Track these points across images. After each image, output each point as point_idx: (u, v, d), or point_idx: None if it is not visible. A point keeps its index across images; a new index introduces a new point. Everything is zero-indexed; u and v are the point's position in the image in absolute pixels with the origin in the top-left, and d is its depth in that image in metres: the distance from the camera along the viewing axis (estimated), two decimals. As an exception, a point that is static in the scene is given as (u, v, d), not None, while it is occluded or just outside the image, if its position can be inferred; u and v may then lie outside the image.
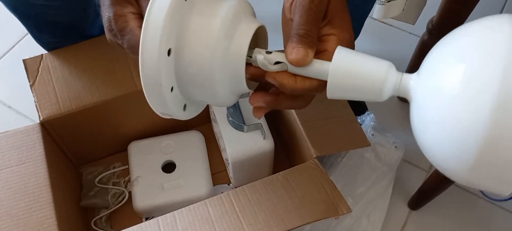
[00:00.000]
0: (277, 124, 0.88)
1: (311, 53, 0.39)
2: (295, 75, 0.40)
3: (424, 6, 0.80)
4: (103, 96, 0.76)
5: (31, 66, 0.78)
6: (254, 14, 0.44)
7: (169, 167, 0.85)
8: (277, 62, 0.40)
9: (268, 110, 0.46)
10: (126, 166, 0.86)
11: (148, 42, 0.37)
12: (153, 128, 0.88)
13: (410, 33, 1.17)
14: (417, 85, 0.36)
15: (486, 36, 0.33)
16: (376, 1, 0.62)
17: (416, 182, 0.93)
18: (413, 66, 0.98)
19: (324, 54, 0.41)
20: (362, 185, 0.88)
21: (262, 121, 0.77)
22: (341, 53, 0.38)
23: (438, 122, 0.33)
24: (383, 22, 1.14)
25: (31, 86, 0.76)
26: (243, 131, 0.77)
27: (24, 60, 0.78)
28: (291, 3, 0.41)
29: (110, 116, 0.80)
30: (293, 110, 0.76)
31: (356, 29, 0.87)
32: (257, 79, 0.42)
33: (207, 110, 0.89)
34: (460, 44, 0.34)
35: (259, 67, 0.41)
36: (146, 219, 0.81)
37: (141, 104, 0.80)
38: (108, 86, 0.77)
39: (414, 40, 1.07)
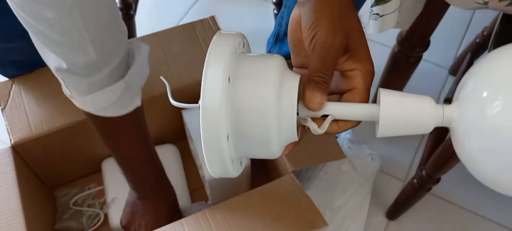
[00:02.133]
0: (253, 139, 0.88)
1: (325, 99, 0.40)
2: (338, 120, 0.42)
3: (420, 11, 0.82)
4: (76, 117, 0.75)
5: (2, 90, 0.77)
6: (288, 66, 0.45)
7: (145, 184, 0.84)
8: (324, 116, 0.42)
9: None
10: (101, 186, 0.85)
11: (207, 139, 0.39)
12: (128, 147, 0.87)
13: (382, 45, 1.19)
14: (460, 115, 0.38)
15: None
16: (370, 17, 0.64)
17: (393, 192, 0.94)
18: (387, 77, 1.00)
19: (354, 92, 0.42)
20: (340, 197, 0.89)
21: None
22: (387, 96, 0.40)
23: (488, 150, 0.36)
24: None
25: (2, 110, 0.75)
26: (219, 148, 0.77)
27: (-6, 84, 0.77)
28: (312, 39, 0.41)
29: (83, 136, 0.79)
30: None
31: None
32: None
33: (183, 127, 0.89)
34: (496, 73, 0.36)
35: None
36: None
37: (115, 124, 0.80)
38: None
39: (386, 51, 1.09)
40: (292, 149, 0.46)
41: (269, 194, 0.67)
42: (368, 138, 1.00)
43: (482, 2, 0.59)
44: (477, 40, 1.06)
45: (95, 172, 0.88)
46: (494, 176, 0.37)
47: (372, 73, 0.42)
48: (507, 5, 0.58)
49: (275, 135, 0.41)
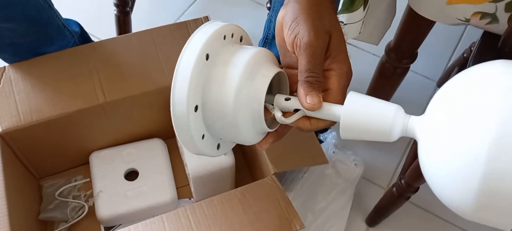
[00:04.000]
0: (240, 140, 0.90)
1: (321, 97, 0.42)
2: (310, 118, 0.43)
3: (389, 27, 0.84)
4: (65, 109, 0.77)
5: (-8, 77, 0.78)
6: (275, 61, 0.46)
7: (132, 175, 0.85)
8: (296, 109, 0.44)
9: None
10: (88, 179, 0.86)
11: (176, 105, 0.42)
12: (116, 140, 0.88)
13: (373, 54, 1.21)
14: (424, 127, 0.38)
15: (483, 84, 0.35)
16: None
17: (374, 199, 0.95)
18: (374, 86, 1.01)
19: (328, 93, 0.43)
20: (322, 201, 0.91)
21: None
22: (352, 98, 0.41)
23: (442, 163, 0.36)
24: (348, 43, 1.18)
25: (-9, 97, 0.76)
26: (204, 147, 0.78)
27: (-15, 72, 0.78)
28: (294, 39, 0.42)
29: (72, 129, 0.80)
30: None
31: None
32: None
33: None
34: (460, 91, 0.37)
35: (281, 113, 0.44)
36: (105, 229, 0.82)
37: (104, 118, 0.81)
38: (71, 99, 0.77)
39: (376, 60, 1.11)
40: (272, 144, 0.47)
41: (250, 194, 0.68)
42: (353, 144, 1.01)
43: (463, 19, 0.61)
44: (464, 55, 1.08)
45: (82, 165, 0.89)
46: (443, 193, 0.37)
47: (348, 74, 0.43)
48: (487, 24, 0.59)
49: (242, 117, 0.43)
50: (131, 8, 1.14)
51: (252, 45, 0.49)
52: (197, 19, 0.88)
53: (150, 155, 0.87)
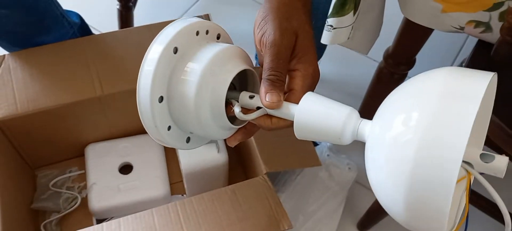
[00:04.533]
0: (234, 139, 0.90)
1: (282, 96, 0.42)
2: (271, 116, 0.44)
3: (377, 38, 0.84)
4: (62, 101, 0.77)
5: (-9, 66, 0.78)
6: (246, 59, 0.46)
7: (126, 169, 0.86)
8: (258, 107, 0.44)
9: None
10: (83, 171, 0.87)
11: (141, 93, 0.43)
12: (112, 134, 0.89)
13: (373, 60, 1.21)
14: (370, 132, 0.38)
15: (417, 93, 0.35)
16: (325, 27, 0.66)
17: (366, 203, 0.96)
18: (372, 91, 1.02)
19: (292, 93, 0.43)
20: (314, 203, 0.91)
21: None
22: (307, 99, 0.41)
23: (378, 168, 0.36)
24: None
25: (-11, 86, 0.76)
26: (198, 143, 0.79)
27: (-16, 59, 0.78)
28: (261, 38, 0.43)
29: (68, 120, 0.81)
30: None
31: (318, 53, 0.90)
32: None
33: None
34: (398, 98, 0.37)
35: (242, 109, 0.45)
36: (97, 221, 0.82)
37: (100, 111, 0.82)
38: (68, 91, 0.78)
39: (374, 65, 1.11)
40: (241, 141, 0.48)
41: (241, 192, 0.68)
42: (348, 148, 1.01)
43: (458, 27, 0.61)
44: (463, 64, 1.08)
45: (77, 157, 0.89)
46: (380, 199, 0.37)
47: (313, 76, 0.43)
48: (481, 32, 0.60)
49: (204, 112, 0.43)
50: (134, 3, 1.15)
51: (231, 43, 0.49)
52: (198, 17, 0.88)
53: (145, 150, 0.87)
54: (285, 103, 0.42)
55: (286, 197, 0.88)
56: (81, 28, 0.93)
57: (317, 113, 0.40)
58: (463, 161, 0.36)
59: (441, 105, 0.32)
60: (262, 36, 0.43)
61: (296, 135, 0.42)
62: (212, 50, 0.44)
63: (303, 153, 0.78)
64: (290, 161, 0.77)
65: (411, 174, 0.32)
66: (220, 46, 0.44)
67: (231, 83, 0.44)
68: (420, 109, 0.33)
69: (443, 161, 0.31)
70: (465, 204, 0.38)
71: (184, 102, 0.43)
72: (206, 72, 0.42)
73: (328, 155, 0.96)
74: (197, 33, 0.45)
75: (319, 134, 0.40)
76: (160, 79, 0.43)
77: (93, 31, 1.03)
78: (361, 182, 1.01)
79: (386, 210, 0.37)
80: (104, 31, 0.89)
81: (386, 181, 0.34)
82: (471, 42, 1.29)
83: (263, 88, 0.42)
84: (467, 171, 0.37)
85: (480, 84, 0.32)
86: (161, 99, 0.43)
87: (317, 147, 0.98)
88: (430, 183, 0.32)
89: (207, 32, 0.46)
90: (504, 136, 0.60)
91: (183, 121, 0.45)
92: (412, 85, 0.36)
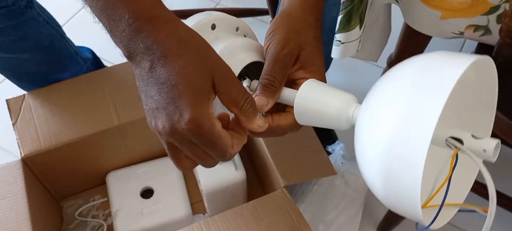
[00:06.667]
0: (250, 154, 0.92)
1: (271, 102, 0.44)
2: (271, 114, 0.45)
3: (386, 44, 0.86)
4: (82, 133, 0.80)
5: (13, 105, 0.82)
6: (262, 54, 0.48)
7: (147, 193, 0.89)
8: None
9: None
10: (105, 198, 0.90)
11: None
12: (131, 160, 0.91)
13: (377, 66, 1.23)
14: (356, 117, 0.40)
15: (396, 76, 0.36)
16: (334, 43, 0.68)
17: (384, 207, 0.96)
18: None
19: None
20: (332, 211, 0.92)
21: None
22: (308, 83, 0.43)
23: (362, 150, 0.37)
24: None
25: (13, 124, 0.80)
26: (216, 163, 0.81)
27: (7, 100, 0.82)
28: (267, 48, 0.46)
29: (89, 151, 0.84)
30: (263, 143, 0.81)
31: (325, 65, 0.92)
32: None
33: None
34: (382, 80, 0.38)
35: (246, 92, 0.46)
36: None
37: (119, 139, 0.85)
38: (87, 123, 0.81)
39: (379, 71, 1.13)
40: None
41: (261, 207, 0.71)
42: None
43: (457, 32, 0.63)
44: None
45: (99, 185, 0.92)
46: (364, 176, 0.38)
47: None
48: (480, 36, 0.62)
49: None
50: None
51: (252, 35, 0.52)
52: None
53: (164, 173, 0.90)
54: (285, 89, 0.44)
55: (305, 208, 0.90)
56: (94, 62, 0.97)
57: (316, 98, 0.41)
58: (454, 138, 0.36)
59: (415, 84, 0.33)
60: (267, 47, 0.46)
61: (296, 118, 0.44)
62: (235, 40, 0.47)
63: (318, 163, 0.80)
64: (306, 173, 0.79)
65: (385, 155, 0.34)
66: (244, 39, 0.47)
67: (246, 73, 0.46)
68: (396, 89, 0.34)
69: (413, 140, 0.32)
70: (447, 175, 0.37)
71: None
72: (222, 54, 0.44)
73: (342, 163, 0.98)
74: (213, 26, 0.48)
75: (317, 118, 0.41)
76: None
77: (105, 63, 1.06)
78: (377, 186, 1.02)
79: (370, 190, 0.39)
80: (115, 62, 0.92)
81: (366, 161, 0.36)
82: (469, 45, 1.31)
83: (256, 91, 0.44)
84: (456, 147, 0.37)
85: (463, 64, 0.32)
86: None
87: (331, 155, 1.00)
88: (402, 162, 0.33)
89: (237, 29, 0.50)
90: (508, 130, 0.61)
91: None
92: (395, 68, 0.38)
